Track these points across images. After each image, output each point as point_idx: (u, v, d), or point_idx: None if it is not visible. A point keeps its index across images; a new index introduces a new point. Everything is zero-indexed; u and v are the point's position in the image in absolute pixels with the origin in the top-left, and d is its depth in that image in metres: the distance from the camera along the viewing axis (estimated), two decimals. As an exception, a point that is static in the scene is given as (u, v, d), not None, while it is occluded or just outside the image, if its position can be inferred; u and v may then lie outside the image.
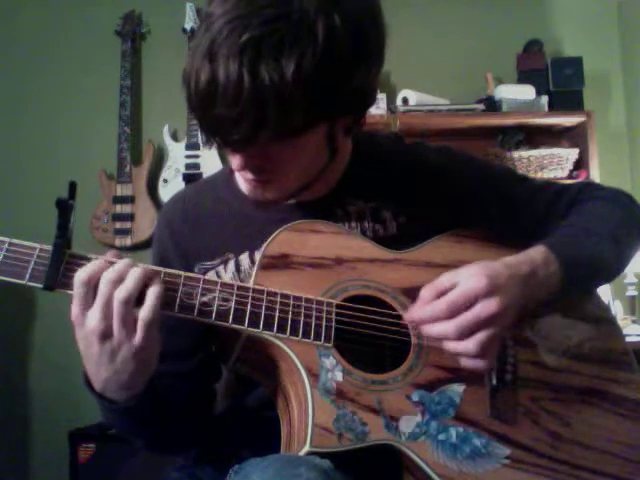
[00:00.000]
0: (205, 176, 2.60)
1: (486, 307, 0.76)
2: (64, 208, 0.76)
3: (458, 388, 0.85)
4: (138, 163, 2.77)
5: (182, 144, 2.75)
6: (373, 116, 2.49)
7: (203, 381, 1.00)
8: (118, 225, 2.71)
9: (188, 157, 2.74)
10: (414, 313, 0.80)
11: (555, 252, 0.85)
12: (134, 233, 2.71)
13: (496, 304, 0.76)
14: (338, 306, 0.85)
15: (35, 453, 2.73)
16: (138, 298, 0.74)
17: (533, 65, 2.74)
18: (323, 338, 0.82)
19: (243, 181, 0.90)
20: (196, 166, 2.72)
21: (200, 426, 0.99)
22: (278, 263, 0.86)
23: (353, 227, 0.95)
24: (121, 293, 0.73)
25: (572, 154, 2.61)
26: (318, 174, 0.90)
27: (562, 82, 2.68)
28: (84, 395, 0.80)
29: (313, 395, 0.78)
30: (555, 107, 2.67)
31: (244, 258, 0.94)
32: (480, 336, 0.76)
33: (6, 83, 2.87)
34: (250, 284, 0.83)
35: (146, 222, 2.70)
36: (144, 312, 0.74)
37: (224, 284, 0.81)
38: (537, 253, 0.85)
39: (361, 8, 0.77)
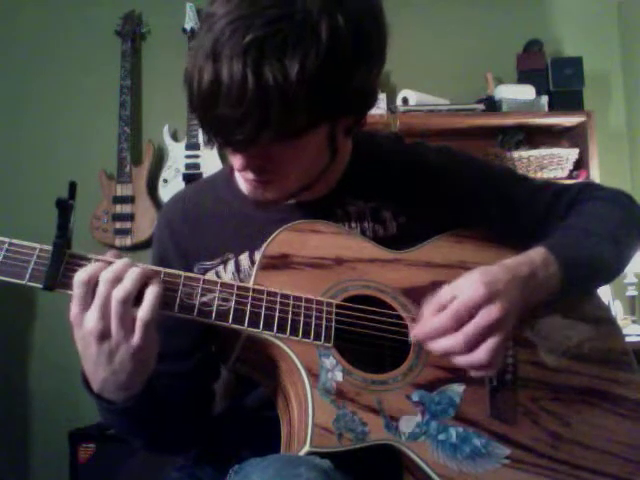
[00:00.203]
0: (205, 176, 2.60)
1: (487, 314, 0.75)
2: (64, 208, 0.76)
3: (458, 388, 0.85)
4: (138, 163, 2.77)
5: (182, 144, 2.75)
6: (373, 116, 2.48)
7: (202, 381, 0.99)
8: (118, 225, 2.71)
9: (188, 157, 2.74)
10: (418, 331, 0.79)
11: (555, 253, 0.85)
12: (134, 233, 2.71)
13: (497, 310, 0.76)
14: (338, 306, 0.85)
15: (35, 453, 2.73)
16: (137, 298, 0.74)
17: (533, 65, 2.74)
18: (323, 338, 0.82)
19: (243, 181, 0.89)
20: (196, 166, 2.72)
21: (199, 426, 0.99)
22: (278, 263, 0.86)
23: (353, 227, 0.95)
24: (119, 293, 0.72)
25: (572, 154, 2.61)
26: (319, 174, 0.90)
27: (562, 82, 2.68)
28: (84, 395, 0.80)
29: (313, 395, 0.78)
30: (555, 107, 2.67)
31: (244, 258, 0.94)
32: (488, 345, 0.75)
33: (6, 83, 2.87)
34: (250, 284, 0.83)
35: (146, 222, 2.70)
36: (142, 312, 0.74)
37: (224, 284, 0.81)
38: (537, 254, 0.85)
39: (363, 8, 0.77)
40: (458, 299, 0.77)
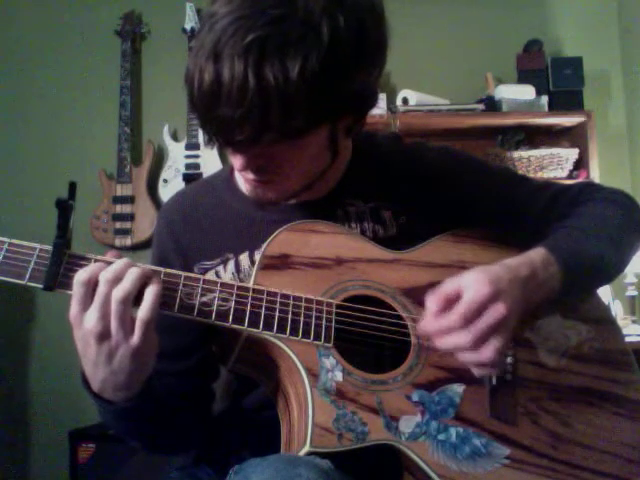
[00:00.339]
0: (205, 176, 2.60)
1: (495, 313, 0.75)
2: (64, 208, 0.76)
3: (458, 388, 0.85)
4: (138, 163, 2.77)
5: (182, 144, 2.75)
6: (373, 116, 2.48)
7: (202, 380, 1.00)
8: (118, 225, 2.71)
9: (188, 157, 2.74)
10: (426, 326, 0.79)
11: (555, 254, 0.85)
12: (134, 233, 2.71)
13: (503, 308, 0.76)
14: (338, 306, 0.85)
15: (35, 453, 2.73)
16: (137, 298, 0.74)
17: (533, 65, 2.74)
18: (323, 338, 0.82)
19: (244, 181, 0.89)
20: (196, 166, 2.72)
21: (198, 426, 0.99)
22: (278, 263, 0.86)
23: (353, 227, 0.95)
24: (119, 293, 0.72)
25: (572, 154, 2.61)
26: (319, 175, 0.90)
27: (562, 82, 2.68)
28: (84, 395, 0.80)
29: (313, 395, 0.78)
30: (555, 107, 2.67)
31: (244, 258, 0.94)
32: (495, 343, 0.75)
33: (6, 83, 2.86)
34: (250, 284, 0.83)
35: (146, 222, 2.70)
36: (142, 311, 0.74)
37: (224, 284, 0.81)
38: (537, 255, 0.85)
39: (365, 9, 0.77)
40: (466, 297, 0.76)
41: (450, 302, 0.77)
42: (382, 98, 2.59)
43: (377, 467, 0.82)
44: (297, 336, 0.81)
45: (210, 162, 2.70)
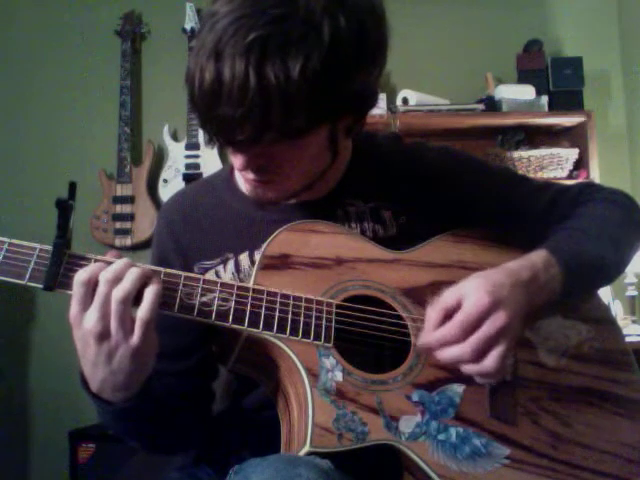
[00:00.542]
0: (205, 176, 2.60)
1: (494, 323, 0.75)
2: (64, 208, 0.76)
3: (458, 388, 0.85)
4: (138, 163, 2.77)
5: (182, 144, 2.75)
6: (373, 116, 2.48)
7: (202, 380, 0.99)
8: (118, 225, 2.71)
9: (188, 157, 2.74)
10: (426, 338, 0.79)
11: (556, 255, 0.85)
12: (134, 233, 2.71)
13: (503, 317, 0.75)
14: (338, 306, 0.85)
15: (35, 453, 2.73)
16: (137, 298, 0.74)
17: (533, 65, 2.74)
18: (323, 338, 0.82)
19: (244, 181, 0.89)
20: (196, 166, 2.72)
21: (198, 426, 0.99)
22: (278, 263, 0.86)
23: (353, 227, 0.95)
24: (119, 293, 0.72)
25: (572, 154, 2.61)
26: (319, 175, 0.90)
27: (562, 82, 2.68)
28: (84, 395, 0.80)
29: (313, 395, 0.78)
30: (555, 107, 2.67)
31: (244, 258, 0.94)
32: (496, 353, 0.75)
33: (6, 83, 2.86)
34: (250, 284, 0.83)
35: (146, 222, 2.70)
36: (142, 311, 0.73)
37: (224, 284, 0.81)
38: (538, 257, 0.85)
39: (365, 9, 0.77)
40: (464, 308, 0.76)
41: (450, 312, 0.77)
42: (382, 98, 2.59)
43: (377, 467, 0.82)
44: (297, 336, 0.81)
45: (210, 162, 2.70)
